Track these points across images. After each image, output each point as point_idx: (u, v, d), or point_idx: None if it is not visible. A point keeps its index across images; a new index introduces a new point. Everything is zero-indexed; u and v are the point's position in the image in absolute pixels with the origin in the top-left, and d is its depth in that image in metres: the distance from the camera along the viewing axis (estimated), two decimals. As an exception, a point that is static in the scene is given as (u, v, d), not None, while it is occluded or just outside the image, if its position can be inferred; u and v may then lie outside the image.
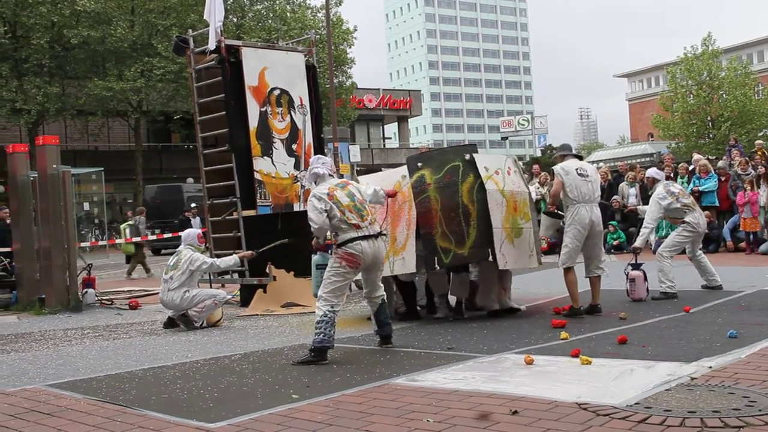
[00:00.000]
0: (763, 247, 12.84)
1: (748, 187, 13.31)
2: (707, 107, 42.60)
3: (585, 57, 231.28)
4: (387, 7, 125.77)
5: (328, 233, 5.97)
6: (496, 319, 7.36)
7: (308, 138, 10.18)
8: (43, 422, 4.26)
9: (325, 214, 5.73)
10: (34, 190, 10.74)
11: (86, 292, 10.67)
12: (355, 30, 37.76)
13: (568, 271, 7.30)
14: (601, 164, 27.52)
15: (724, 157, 17.40)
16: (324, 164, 6.09)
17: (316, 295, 6.41)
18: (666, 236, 10.17)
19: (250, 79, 9.62)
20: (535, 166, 18.93)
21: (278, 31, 33.18)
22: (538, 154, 57.46)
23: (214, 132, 9.90)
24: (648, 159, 33.50)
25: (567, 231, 7.32)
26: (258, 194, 9.50)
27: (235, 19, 34.97)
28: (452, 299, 7.89)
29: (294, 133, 10.03)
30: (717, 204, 14.24)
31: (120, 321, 9.07)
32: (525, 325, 6.86)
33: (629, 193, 15.26)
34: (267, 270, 9.22)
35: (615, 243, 14.59)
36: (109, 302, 10.81)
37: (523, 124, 59.73)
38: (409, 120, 54.49)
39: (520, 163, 8.51)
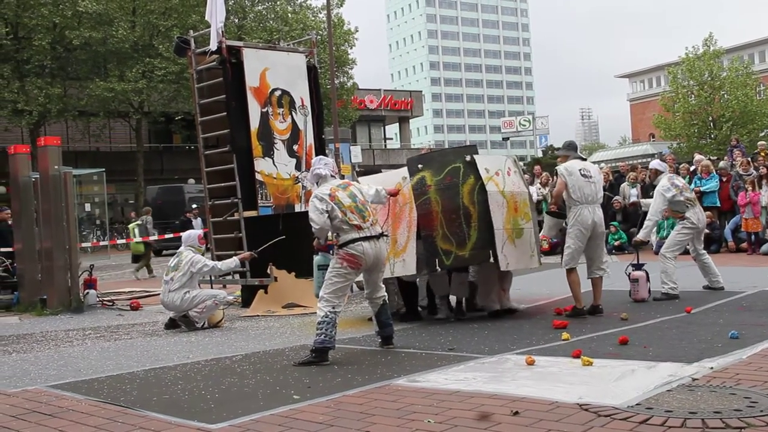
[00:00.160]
0: (764, 248, 12.83)
1: (750, 188, 13.30)
2: (709, 107, 42.59)
3: (586, 57, 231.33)
4: (388, 7, 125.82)
5: (330, 234, 5.97)
6: (497, 319, 7.36)
7: (309, 139, 10.18)
8: (45, 423, 4.26)
9: (327, 215, 5.74)
10: (35, 191, 10.75)
11: (88, 292, 10.68)
12: (356, 31, 37.79)
13: (570, 271, 7.30)
14: (602, 165, 27.50)
15: (726, 158, 17.39)
16: (326, 165, 6.09)
17: (318, 296, 6.41)
18: (667, 237, 10.15)
19: (251, 79, 9.62)
20: (537, 167, 18.92)
21: (279, 31, 33.20)
22: (540, 154, 57.43)
23: (216, 133, 9.90)
24: (649, 159, 33.45)
25: (569, 232, 7.32)
26: (259, 195, 9.50)
27: (236, 20, 35.01)
28: (453, 299, 7.89)
29: (295, 133, 10.04)
30: (718, 204, 14.23)
31: (121, 322, 9.07)
32: (526, 326, 6.86)
33: (630, 194, 15.25)
34: (268, 271, 9.22)
35: (616, 243, 14.57)
36: (111, 303, 10.83)
37: (524, 125, 59.72)
38: (411, 121, 54.49)
39: (521, 163, 8.50)
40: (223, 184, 9.79)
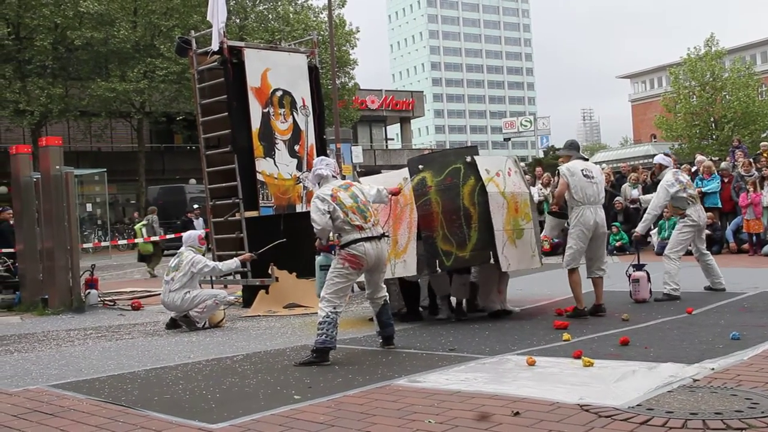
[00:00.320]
0: (766, 249, 12.82)
1: (751, 189, 13.29)
2: (710, 108, 42.54)
3: (588, 58, 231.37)
4: (390, 8, 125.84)
5: (331, 234, 5.97)
6: (497, 320, 7.36)
7: (311, 139, 10.19)
8: (46, 422, 4.27)
9: (328, 216, 5.74)
10: (37, 191, 10.77)
11: (89, 292, 10.69)
12: (358, 31, 37.81)
13: (572, 272, 7.30)
14: (603, 165, 27.48)
15: (728, 159, 17.37)
16: (327, 166, 6.10)
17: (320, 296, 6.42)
18: (668, 237, 10.13)
19: (252, 80, 9.63)
20: (538, 169, 18.93)
21: (281, 32, 33.22)
22: (541, 155, 57.39)
23: (217, 133, 9.91)
24: (650, 160, 33.42)
25: (571, 232, 7.32)
26: (260, 195, 9.50)
27: (237, 20, 35.04)
28: (453, 300, 7.89)
29: (296, 134, 10.04)
30: (720, 205, 14.21)
31: (122, 322, 9.08)
32: (527, 327, 6.86)
33: (632, 195, 15.23)
34: (269, 271, 9.23)
35: (618, 244, 14.57)
36: (112, 303, 10.84)
37: (525, 125, 59.72)
38: (412, 121, 54.46)
39: (522, 164, 8.49)
40: (224, 185, 9.79)
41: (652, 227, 12.56)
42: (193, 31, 11.29)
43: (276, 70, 9.90)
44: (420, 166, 7.42)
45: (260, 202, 9.50)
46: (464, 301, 7.88)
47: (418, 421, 3.87)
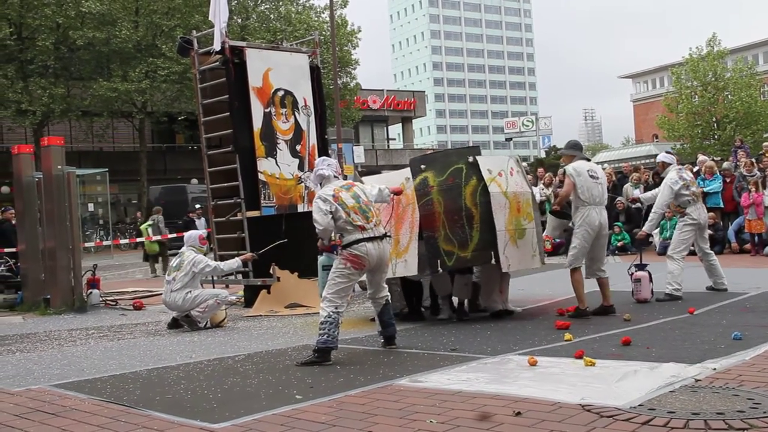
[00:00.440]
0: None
1: (753, 189, 13.27)
2: (712, 108, 42.48)
3: (589, 58, 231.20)
4: (391, 8, 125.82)
5: (333, 234, 5.97)
6: (499, 320, 7.36)
7: (312, 139, 10.19)
8: (48, 422, 4.27)
9: (330, 216, 5.74)
10: (39, 190, 10.78)
11: (91, 292, 10.70)
12: (359, 31, 37.81)
13: (574, 271, 7.29)
14: (605, 165, 27.47)
15: (731, 159, 17.33)
16: (329, 166, 6.10)
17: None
18: (670, 237, 10.11)
19: (254, 80, 9.63)
20: (540, 170, 18.92)
21: (283, 32, 33.23)
22: (543, 155, 57.38)
23: (219, 133, 9.91)
24: (652, 160, 33.42)
25: (576, 232, 7.29)
26: (262, 195, 9.51)
27: (239, 20, 35.04)
28: (455, 300, 7.89)
29: (298, 134, 10.04)
30: (722, 205, 14.20)
31: (124, 321, 9.09)
32: (529, 327, 6.86)
33: (633, 195, 15.21)
34: (271, 271, 9.24)
35: (619, 244, 14.56)
36: (114, 303, 10.85)
37: (527, 125, 59.70)
38: (413, 121, 54.45)
39: (524, 164, 8.48)
40: (226, 184, 9.80)
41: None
42: (194, 31, 11.30)
43: (278, 70, 9.90)
44: (422, 166, 7.41)
45: (262, 202, 9.51)
46: (466, 301, 7.87)
47: (419, 421, 3.87)
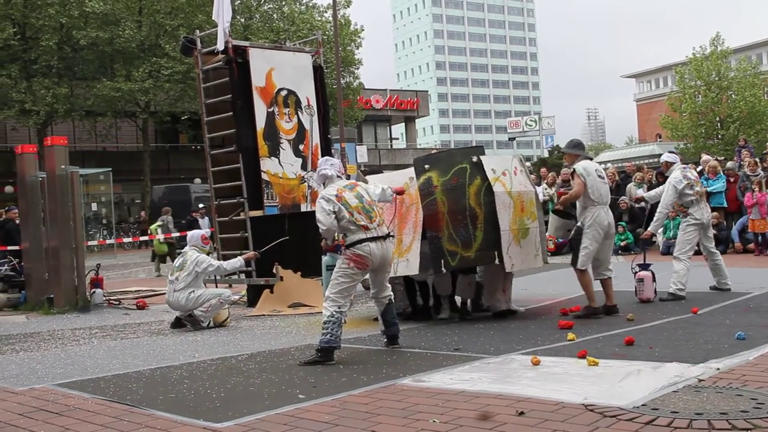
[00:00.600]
0: (771, 249, 12.78)
1: (757, 188, 13.24)
2: (716, 108, 42.41)
3: (593, 57, 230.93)
4: (394, 7, 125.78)
5: (337, 234, 5.98)
6: (502, 320, 7.36)
7: (315, 138, 10.20)
8: (52, 421, 4.28)
9: (334, 216, 5.75)
10: (42, 190, 10.80)
11: (94, 292, 10.72)
12: (363, 30, 37.80)
13: (584, 272, 7.25)
14: (608, 165, 27.47)
15: (735, 158, 17.30)
16: (332, 166, 6.10)
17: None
18: (673, 237, 10.10)
19: (257, 79, 9.64)
20: (543, 170, 18.90)
21: (286, 31, 33.24)
22: (546, 154, 57.34)
23: (222, 132, 9.93)
24: (656, 160, 33.38)
25: (587, 232, 7.22)
26: (265, 195, 9.52)
27: (242, 20, 35.06)
28: (458, 299, 7.89)
29: (301, 133, 10.05)
30: (725, 205, 14.18)
31: (128, 321, 9.10)
32: (532, 326, 6.85)
33: (636, 194, 15.19)
34: (274, 270, 9.24)
35: (623, 244, 14.54)
36: (117, 302, 10.86)
37: (530, 125, 59.62)
38: (417, 120, 54.48)
39: (528, 163, 8.46)
40: (229, 184, 9.81)
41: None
42: (198, 31, 11.32)
43: (281, 69, 9.91)
44: (426, 166, 7.41)
45: (265, 201, 9.52)
46: (469, 300, 7.87)
47: (422, 420, 3.87)
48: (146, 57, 30.78)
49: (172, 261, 16.16)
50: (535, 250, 7.53)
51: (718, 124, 43.06)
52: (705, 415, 3.62)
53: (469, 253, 7.11)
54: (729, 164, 15.62)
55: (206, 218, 17.31)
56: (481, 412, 3.92)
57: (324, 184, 6.03)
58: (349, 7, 36.65)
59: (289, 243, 9.37)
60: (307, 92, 10.18)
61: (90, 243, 19.19)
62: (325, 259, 8.67)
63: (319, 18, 36.62)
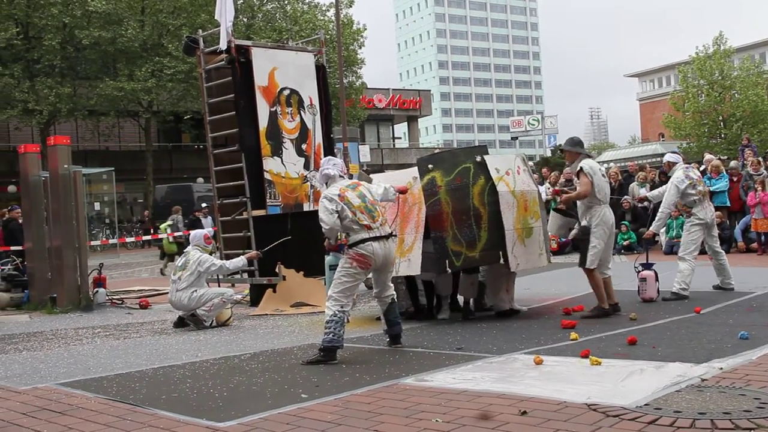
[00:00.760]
0: (774, 248, 12.75)
1: (759, 188, 13.22)
2: (719, 107, 42.33)
3: (595, 56, 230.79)
4: (397, 6, 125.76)
5: (340, 234, 5.98)
6: (505, 319, 7.35)
7: (318, 138, 10.20)
8: (55, 420, 4.29)
9: (336, 215, 5.75)
10: (45, 190, 10.82)
11: (97, 291, 10.73)
12: (365, 30, 37.79)
13: (592, 271, 7.22)
14: (611, 164, 27.42)
15: (739, 158, 17.27)
16: (335, 165, 6.10)
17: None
18: (676, 236, 10.09)
19: (260, 79, 9.64)
20: (545, 170, 18.88)
21: (288, 31, 33.25)
22: (548, 154, 57.25)
23: (224, 132, 9.93)
24: (659, 159, 33.31)
25: (595, 232, 7.17)
26: (268, 194, 9.52)
27: (245, 19, 35.07)
28: (461, 299, 7.88)
29: (304, 133, 10.05)
30: (728, 204, 14.15)
31: (130, 320, 9.11)
32: (534, 326, 6.85)
33: (640, 194, 15.17)
34: (276, 270, 9.24)
35: (626, 243, 14.52)
36: (120, 302, 10.87)
37: (533, 124, 59.56)
38: (419, 120, 54.47)
39: (531, 163, 8.45)
40: (231, 183, 9.82)
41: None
42: (200, 30, 11.32)
43: (283, 69, 9.91)
44: (430, 166, 7.40)
45: (267, 200, 9.52)
46: (471, 300, 7.87)
47: (425, 420, 3.87)
48: (149, 56, 30.81)
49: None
50: (540, 250, 7.53)
51: (721, 124, 42.98)
52: (708, 414, 3.62)
53: (474, 253, 7.11)
54: (732, 163, 15.60)
55: (209, 218, 17.33)
56: (482, 412, 3.92)
57: (327, 183, 6.03)
58: (351, 6, 36.64)
59: (291, 242, 9.38)
60: (309, 92, 10.18)
61: (93, 242, 19.21)
62: (328, 258, 8.68)
63: (322, 17, 36.62)
